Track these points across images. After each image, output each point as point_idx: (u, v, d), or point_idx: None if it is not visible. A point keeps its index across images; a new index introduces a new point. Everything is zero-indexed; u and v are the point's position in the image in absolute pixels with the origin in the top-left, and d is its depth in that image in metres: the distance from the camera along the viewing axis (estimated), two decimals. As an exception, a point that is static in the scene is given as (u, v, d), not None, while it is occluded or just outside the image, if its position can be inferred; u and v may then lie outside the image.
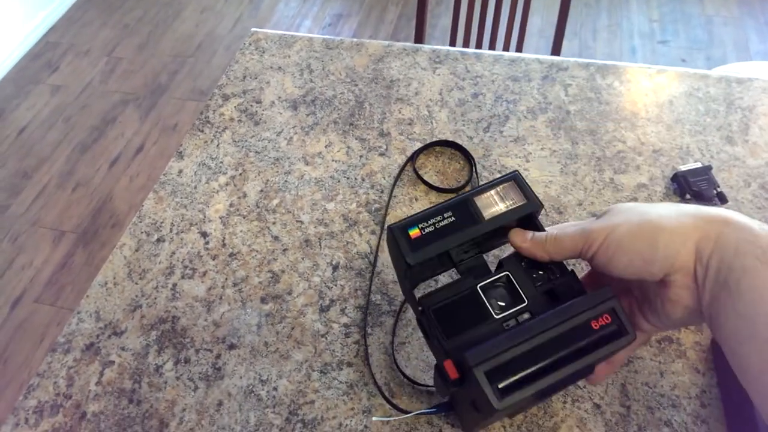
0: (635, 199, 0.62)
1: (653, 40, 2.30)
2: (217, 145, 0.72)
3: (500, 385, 0.34)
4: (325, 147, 0.71)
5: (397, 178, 0.66)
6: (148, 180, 2.02)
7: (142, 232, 0.64)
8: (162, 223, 0.65)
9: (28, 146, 2.15)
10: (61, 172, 2.05)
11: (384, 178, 0.67)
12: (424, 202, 0.64)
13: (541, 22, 2.39)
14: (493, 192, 0.41)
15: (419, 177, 0.66)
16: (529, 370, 0.34)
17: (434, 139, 0.70)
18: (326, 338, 0.55)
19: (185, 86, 2.32)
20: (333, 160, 0.69)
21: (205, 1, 2.71)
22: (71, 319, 0.58)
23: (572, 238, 0.38)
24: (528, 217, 0.41)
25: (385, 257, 0.60)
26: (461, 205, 0.41)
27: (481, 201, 0.41)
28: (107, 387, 0.53)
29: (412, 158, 0.68)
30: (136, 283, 0.60)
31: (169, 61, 2.42)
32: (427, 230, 0.40)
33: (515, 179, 0.41)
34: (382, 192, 0.65)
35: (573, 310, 0.36)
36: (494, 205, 0.41)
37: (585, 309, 0.35)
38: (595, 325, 0.35)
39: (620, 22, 2.39)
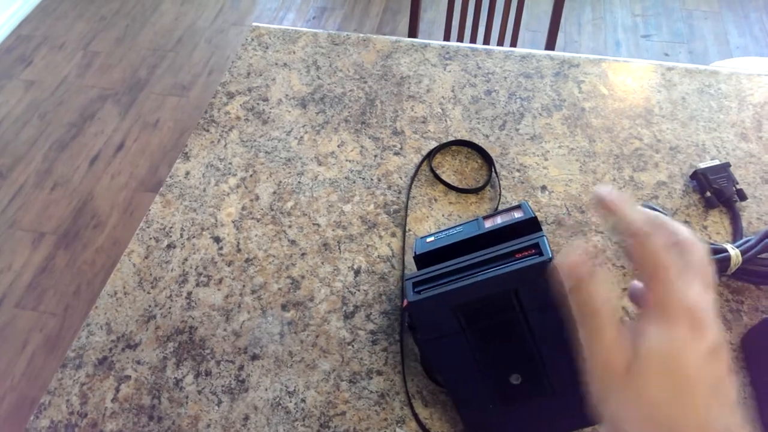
0: (656, 198, 0.62)
1: (636, 34, 2.32)
2: (225, 146, 0.69)
3: (420, 290, 0.40)
4: (338, 146, 0.68)
5: (414, 178, 0.65)
6: (130, 179, 1.96)
7: (150, 238, 0.62)
8: (171, 228, 0.62)
9: (2, 145, 2.06)
10: (39, 171, 1.98)
11: (401, 178, 0.65)
12: (443, 202, 0.63)
13: (527, 15, 2.39)
14: (498, 214, 0.48)
15: (437, 177, 0.64)
16: (447, 279, 0.41)
17: (450, 138, 0.68)
18: (353, 346, 0.53)
19: (166, 81, 2.26)
20: (347, 160, 0.67)
21: (184, -7, 2.64)
22: (80, 333, 0.55)
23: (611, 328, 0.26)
24: (531, 226, 0.45)
25: (408, 259, 0.58)
26: (470, 223, 0.48)
27: (487, 220, 0.48)
28: (124, 404, 0.51)
29: (429, 157, 0.66)
30: (148, 293, 0.57)
31: (148, 55, 2.35)
32: (439, 236, 0.48)
33: (521, 206, 0.47)
34: (399, 193, 0.64)
35: (505, 246, 0.41)
36: (495, 220, 0.47)
37: (516, 245, 0.40)
38: (519, 255, 0.39)
39: (604, 16, 2.41)
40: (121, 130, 2.10)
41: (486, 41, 1.35)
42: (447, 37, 1.39)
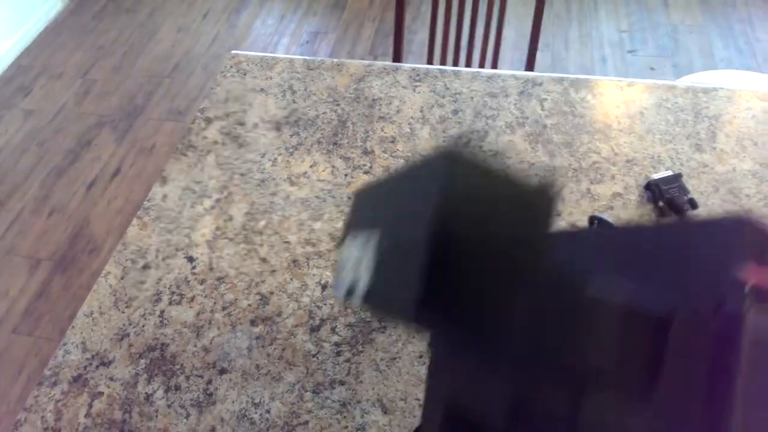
0: (611, 208, 0.64)
1: (623, 50, 2.36)
2: (201, 169, 0.72)
3: None
4: (310, 167, 0.71)
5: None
6: (126, 203, 2.00)
7: (127, 260, 0.64)
8: (147, 249, 0.65)
9: (1, 173, 2.11)
10: (36, 197, 2.02)
11: (368, 196, 0.68)
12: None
13: (515, 35, 2.44)
14: None
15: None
16: None
17: (417, 155, 0.71)
18: (318, 358, 0.55)
19: (162, 107, 2.31)
20: (318, 180, 0.70)
21: (181, 20, 2.71)
22: (57, 351, 0.57)
23: None
24: None
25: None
26: None
27: None
28: (97, 419, 0.53)
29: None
30: (123, 312, 0.60)
31: (145, 82, 2.41)
32: None
33: None
34: (367, 210, 0.66)
35: None
36: None
37: None
38: None
39: (590, 32, 2.45)
40: (118, 156, 2.14)
41: (468, 62, 1.39)
42: (430, 60, 1.43)
